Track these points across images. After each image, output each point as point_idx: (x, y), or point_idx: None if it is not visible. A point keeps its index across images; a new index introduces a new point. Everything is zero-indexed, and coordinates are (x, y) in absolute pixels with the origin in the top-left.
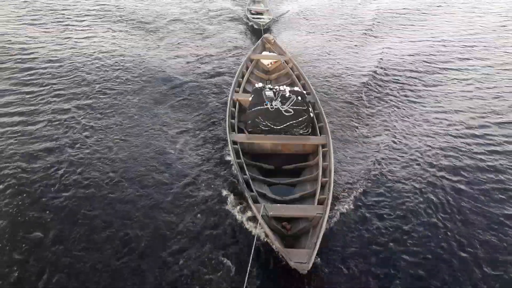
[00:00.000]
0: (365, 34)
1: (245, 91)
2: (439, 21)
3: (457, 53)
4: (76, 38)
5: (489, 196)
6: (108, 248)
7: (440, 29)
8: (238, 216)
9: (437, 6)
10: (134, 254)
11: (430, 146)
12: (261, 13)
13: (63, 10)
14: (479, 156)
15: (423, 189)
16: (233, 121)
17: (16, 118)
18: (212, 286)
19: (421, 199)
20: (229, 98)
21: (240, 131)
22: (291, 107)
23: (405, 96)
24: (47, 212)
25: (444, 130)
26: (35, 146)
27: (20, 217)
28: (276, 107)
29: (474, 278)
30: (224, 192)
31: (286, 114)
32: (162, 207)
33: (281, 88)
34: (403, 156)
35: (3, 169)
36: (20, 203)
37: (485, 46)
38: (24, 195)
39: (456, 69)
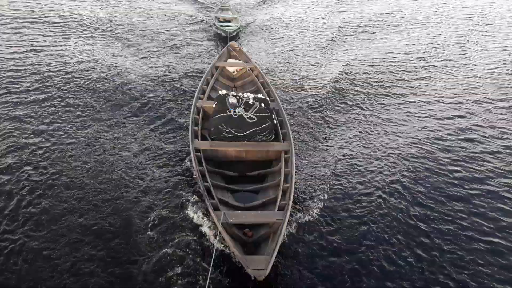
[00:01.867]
0: (330, 43)
1: (209, 98)
2: (402, 32)
3: (419, 62)
4: (41, 47)
5: (446, 204)
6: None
7: (403, 39)
8: (199, 224)
9: (401, 17)
10: (91, 266)
11: (390, 153)
12: (229, 21)
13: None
14: (439, 165)
15: (381, 196)
16: (196, 128)
17: None
18: None
19: (380, 205)
20: (192, 105)
21: (204, 138)
22: (255, 114)
23: (367, 104)
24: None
25: (404, 138)
26: None
27: None
28: (240, 114)
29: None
30: (186, 200)
31: (250, 121)
32: (120, 214)
33: (245, 95)
34: (363, 163)
35: None
36: None
37: (447, 55)
38: None
39: (418, 79)
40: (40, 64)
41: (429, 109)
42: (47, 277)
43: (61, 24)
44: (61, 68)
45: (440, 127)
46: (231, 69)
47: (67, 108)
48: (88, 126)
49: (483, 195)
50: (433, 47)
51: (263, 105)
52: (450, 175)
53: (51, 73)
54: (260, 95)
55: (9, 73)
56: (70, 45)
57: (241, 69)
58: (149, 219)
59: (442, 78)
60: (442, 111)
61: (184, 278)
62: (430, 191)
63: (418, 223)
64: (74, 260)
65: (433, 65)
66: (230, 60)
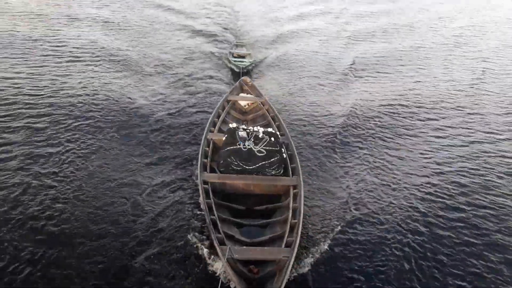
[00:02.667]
0: (343, 79)
1: (220, 131)
2: (416, 67)
3: (433, 98)
4: (53, 76)
5: (467, 243)
6: None
7: (418, 75)
8: (205, 259)
9: (416, 53)
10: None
11: (403, 191)
12: (243, 57)
13: (42, 46)
14: (455, 200)
15: (394, 235)
16: (205, 160)
17: None
18: None
19: (392, 245)
20: (203, 138)
21: (213, 170)
22: (264, 147)
23: (380, 140)
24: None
25: (418, 176)
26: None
27: None
28: (249, 147)
29: None
30: (192, 234)
31: (259, 154)
32: (127, 246)
33: (255, 129)
34: (375, 200)
35: None
36: None
37: (462, 92)
38: None
39: (433, 114)
40: (55, 94)
41: (445, 144)
42: None
43: (76, 55)
44: (75, 98)
45: (459, 164)
46: (242, 103)
47: (77, 135)
48: (98, 155)
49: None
50: (447, 81)
51: (272, 139)
52: (471, 214)
53: (65, 103)
54: (270, 129)
55: (25, 97)
56: (82, 74)
57: (252, 103)
58: (153, 248)
59: (457, 113)
60: (459, 145)
61: None
62: (447, 237)
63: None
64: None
65: (449, 99)
66: (241, 94)
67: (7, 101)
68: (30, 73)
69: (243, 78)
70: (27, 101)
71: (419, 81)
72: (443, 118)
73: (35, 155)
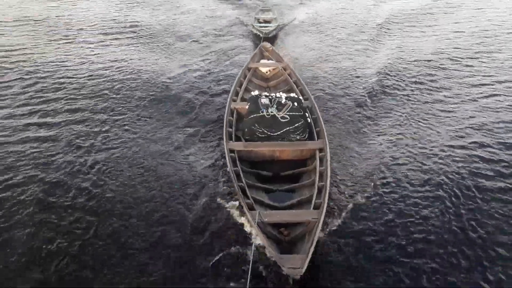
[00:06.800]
0: (373, 38)
1: (243, 99)
2: (450, 24)
3: (468, 56)
4: (83, 52)
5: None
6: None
7: (452, 32)
8: (236, 224)
9: (448, 7)
10: (134, 261)
11: (436, 154)
12: (269, 22)
13: (74, 22)
14: (493, 164)
15: (425, 198)
16: (230, 129)
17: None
18: None
19: (423, 208)
20: (226, 107)
21: (238, 139)
22: (287, 113)
23: (410, 103)
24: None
25: (453, 138)
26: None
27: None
28: (272, 113)
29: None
30: (223, 201)
31: (282, 120)
32: (160, 212)
33: (277, 95)
34: (405, 163)
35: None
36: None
37: (498, 47)
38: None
39: (467, 73)
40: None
41: (486, 106)
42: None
43: (102, 28)
44: (101, 69)
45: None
46: (263, 69)
47: (108, 104)
48: (129, 125)
49: None
50: (490, 35)
51: (296, 104)
52: None
53: (109, 80)
54: (292, 94)
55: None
56: (107, 46)
57: (273, 69)
58: (189, 217)
59: (500, 70)
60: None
61: (224, 276)
62: (494, 212)
63: (471, 234)
64: (123, 239)
65: (490, 56)
66: (262, 61)
67: (45, 76)
68: (66, 48)
69: (262, 43)
70: (67, 76)
71: (461, 34)
72: (487, 76)
73: (76, 122)
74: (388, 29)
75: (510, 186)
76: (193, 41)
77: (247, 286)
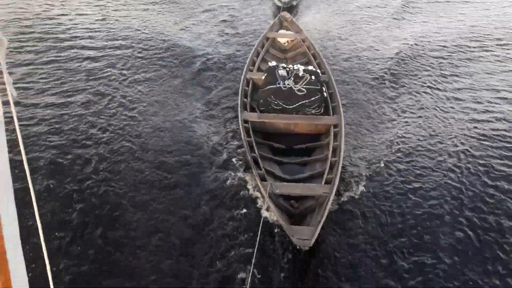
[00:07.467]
0: (395, 15)
1: (259, 70)
2: (479, 5)
3: (496, 39)
4: (106, 12)
5: None
6: (122, 218)
7: (481, 12)
8: (248, 194)
9: None
10: (148, 224)
11: (456, 135)
12: None
13: None
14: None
15: (440, 179)
16: (245, 100)
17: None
18: (221, 262)
19: (437, 190)
20: (242, 77)
21: (253, 110)
22: (304, 86)
23: (431, 85)
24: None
25: (474, 119)
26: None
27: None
28: (289, 86)
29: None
30: (236, 171)
31: (299, 93)
32: (173, 180)
33: (295, 67)
34: (420, 144)
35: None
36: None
37: None
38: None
39: (496, 55)
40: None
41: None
42: None
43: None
44: (120, 34)
45: None
46: (282, 40)
47: (127, 66)
48: (147, 89)
49: None
50: None
51: (313, 77)
52: None
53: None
54: (310, 67)
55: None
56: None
57: (292, 40)
58: (201, 182)
59: None
60: None
61: (233, 244)
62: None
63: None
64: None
65: None
66: (281, 31)
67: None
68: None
69: (282, 13)
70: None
71: (486, 20)
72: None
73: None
74: (414, 6)
75: None
76: (209, 8)
77: (254, 255)
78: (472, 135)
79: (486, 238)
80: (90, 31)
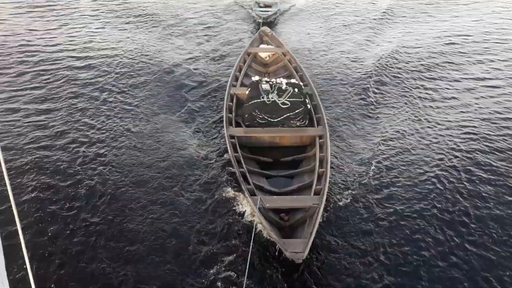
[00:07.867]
0: (372, 29)
1: (242, 84)
2: (454, 14)
3: (472, 48)
4: (80, 34)
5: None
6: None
7: (456, 22)
8: (237, 209)
9: None
10: (137, 240)
11: (435, 143)
12: (269, 6)
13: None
14: (491, 156)
15: (423, 186)
16: (230, 115)
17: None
18: (214, 278)
19: (420, 196)
20: (226, 92)
21: (238, 125)
22: (288, 99)
23: (411, 91)
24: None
25: (451, 127)
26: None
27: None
28: (273, 99)
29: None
30: (224, 187)
31: (283, 106)
32: (161, 200)
33: (278, 80)
34: (404, 149)
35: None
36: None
37: (498, 41)
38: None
39: (471, 63)
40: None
41: (486, 96)
42: None
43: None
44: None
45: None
46: (263, 54)
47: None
48: (126, 108)
49: None
50: (495, 28)
51: (296, 90)
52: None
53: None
54: (293, 80)
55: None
56: (103, 30)
57: (273, 54)
58: (190, 203)
59: (501, 63)
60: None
61: (225, 260)
62: (479, 191)
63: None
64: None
65: (494, 48)
66: (262, 46)
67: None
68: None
69: (262, 28)
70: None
71: (461, 30)
72: (491, 69)
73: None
74: (391, 16)
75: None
76: (191, 24)
77: (247, 270)
78: (454, 141)
79: (471, 241)
80: (73, 59)
